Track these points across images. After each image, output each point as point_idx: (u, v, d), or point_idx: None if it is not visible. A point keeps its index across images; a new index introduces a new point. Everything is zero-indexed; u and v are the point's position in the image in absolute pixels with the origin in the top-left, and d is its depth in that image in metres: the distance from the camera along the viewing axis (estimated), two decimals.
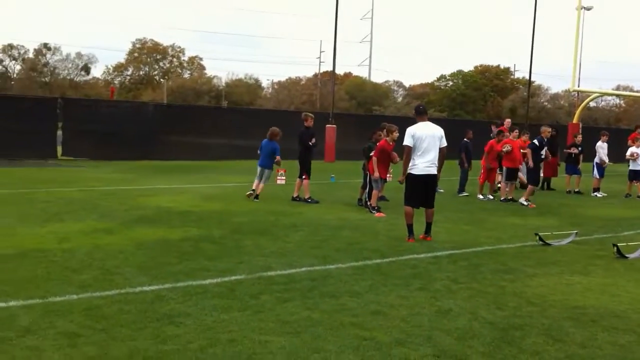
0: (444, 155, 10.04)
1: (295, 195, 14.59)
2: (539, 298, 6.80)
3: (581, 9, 29.60)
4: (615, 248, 9.11)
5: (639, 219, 13.38)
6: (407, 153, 9.92)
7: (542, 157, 15.73)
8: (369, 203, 13.10)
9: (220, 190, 16.54)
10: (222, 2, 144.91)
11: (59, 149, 27.18)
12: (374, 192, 12.95)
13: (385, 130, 13.43)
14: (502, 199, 15.95)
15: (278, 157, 14.44)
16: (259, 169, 14.70)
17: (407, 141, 9.87)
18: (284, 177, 18.01)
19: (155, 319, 5.65)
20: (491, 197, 16.42)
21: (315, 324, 5.65)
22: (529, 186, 15.31)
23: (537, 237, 9.98)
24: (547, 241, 9.95)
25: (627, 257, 8.98)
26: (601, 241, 10.46)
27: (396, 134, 13.06)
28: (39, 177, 18.42)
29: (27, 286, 6.58)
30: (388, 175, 14.00)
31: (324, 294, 6.65)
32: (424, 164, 9.79)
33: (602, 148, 18.90)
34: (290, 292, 6.67)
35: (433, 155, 9.85)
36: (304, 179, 14.44)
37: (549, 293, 7.02)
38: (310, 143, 14.45)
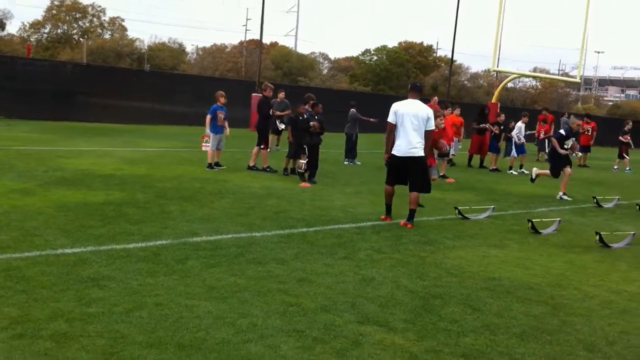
0: (430, 137, 9.43)
1: (251, 164, 14.50)
2: (458, 269, 7.05)
3: None
4: (529, 224, 9.51)
5: (551, 196, 13.96)
6: (389, 130, 9.30)
7: (566, 147, 13.76)
8: (299, 170, 13.15)
9: (143, 154, 16.23)
10: None
11: None
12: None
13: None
14: (440, 174, 15.74)
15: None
16: None
17: (390, 118, 9.26)
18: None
19: (78, 282, 5.57)
20: None
21: (242, 290, 5.70)
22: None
23: (457, 211, 10.30)
24: (465, 215, 10.29)
25: (540, 233, 9.40)
26: (516, 217, 10.90)
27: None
28: None
29: None
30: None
31: (250, 261, 6.69)
32: (406, 145, 9.17)
33: (520, 128, 19.49)
34: (217, 258, 6.68)
35: (418, 136, 9.18)
36: (262, 148, 14.42)
37: (466, 264, 7.29)
38: (270, 112, 14.42)
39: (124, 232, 7.54)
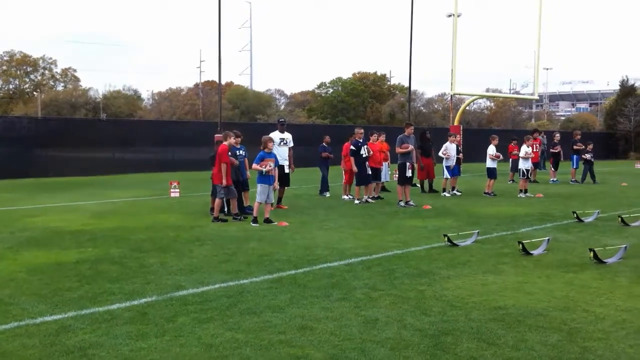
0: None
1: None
2: (460, 301, 6.77)
3: (453, 15, 30.53)
4: (520, 245, 9.29)
5: (531, 215, 13.85)
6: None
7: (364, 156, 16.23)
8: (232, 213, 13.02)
9: (111, 206, 15.68)
10: (95, 11, 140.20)
11: None
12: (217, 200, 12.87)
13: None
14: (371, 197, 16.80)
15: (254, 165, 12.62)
16: None
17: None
18: (178, 190, 17.45)
19: (64, 353, 5.12)
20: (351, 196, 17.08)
21: (242, 345, 5.31)
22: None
23: (446, 238, 10.03)
24: (454, 242, 10.04)
25: (532, 254, 9.19)
26: (502, 239, 10.70)
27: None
28: None
29: None
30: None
31: (243, 312, 6.31)
32: None
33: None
34: (208, 312, 6.28)
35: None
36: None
37: (467, 295, 7.01)
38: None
39: (104, 292, 7.09)
